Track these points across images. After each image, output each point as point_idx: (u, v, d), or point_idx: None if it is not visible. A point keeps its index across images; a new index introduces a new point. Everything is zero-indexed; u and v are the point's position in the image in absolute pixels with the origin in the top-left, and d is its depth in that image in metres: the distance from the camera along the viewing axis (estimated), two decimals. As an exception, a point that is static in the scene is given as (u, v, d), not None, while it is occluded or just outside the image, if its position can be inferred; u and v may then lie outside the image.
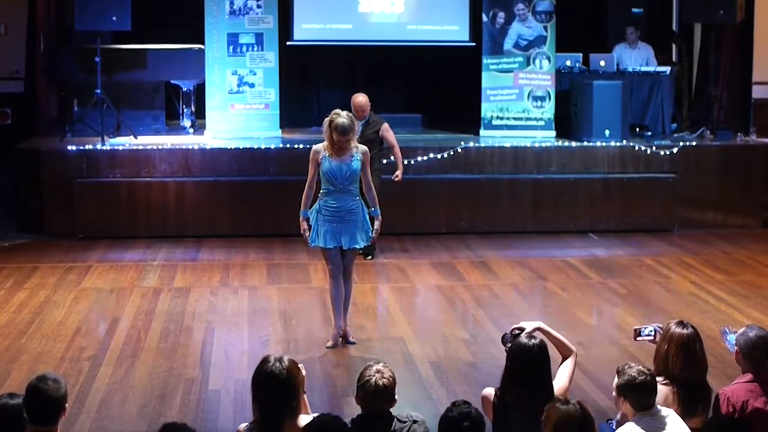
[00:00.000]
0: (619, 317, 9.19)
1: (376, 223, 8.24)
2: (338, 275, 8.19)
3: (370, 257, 10.88)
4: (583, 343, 7.94)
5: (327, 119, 8.02)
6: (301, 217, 8.18)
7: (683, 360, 5.39)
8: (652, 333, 5.72)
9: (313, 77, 14.50)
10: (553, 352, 5.57)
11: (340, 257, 8.17)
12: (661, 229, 12.51)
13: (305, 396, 5.12)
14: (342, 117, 7.93)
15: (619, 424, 5.20)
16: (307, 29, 13.71)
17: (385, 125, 10.74)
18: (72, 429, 6.62)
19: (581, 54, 13.79)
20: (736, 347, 5.52)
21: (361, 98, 10.56)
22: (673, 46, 14.97)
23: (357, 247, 8.21)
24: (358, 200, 8.13)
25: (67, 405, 4.75)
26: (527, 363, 5.22)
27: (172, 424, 4.53)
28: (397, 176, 10.77)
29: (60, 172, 11.97)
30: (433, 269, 10.77)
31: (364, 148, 8.18)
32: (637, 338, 5.83)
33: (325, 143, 8.06)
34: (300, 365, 4.99)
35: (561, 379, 5.50)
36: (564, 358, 5.62)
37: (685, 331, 5.46)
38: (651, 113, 13.56)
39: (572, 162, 12.62)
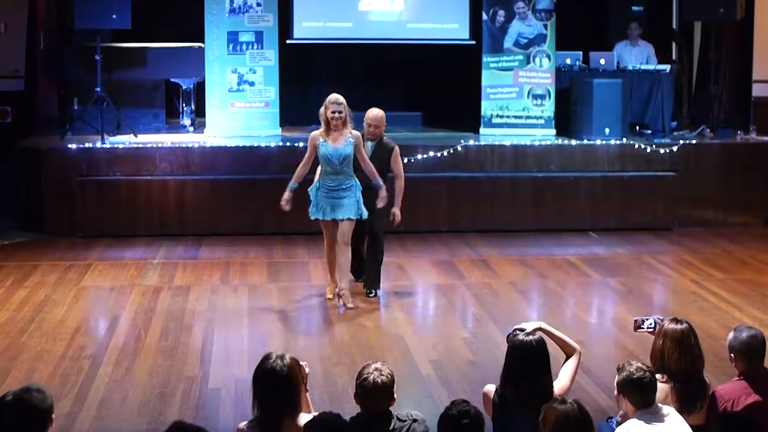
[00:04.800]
0: (619, 315, 9.18)
1: (381, 192, 9.09)
2: (332, 243, 9.17)
3: (372, 294, 9.57)
4: (583, 342, 7.90)
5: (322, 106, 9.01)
6: (288, 189, 9.15)
7: (679, 353, 5.42)
8: (653, 325, 5.73)
9: (313, 75, 14.47)
10: (556, 351, 5.57)
11: (335, 229, 9.07)
12: (662, 227, 12.51)
13: (307, 394, 5.12)
14: (334, 94, 9.05)
15: (620, 422, 5.20)
16: (307, 27, 13.71)
17: (397, 149, 9.54)
18: (72, 428, 6.63)
19: (581, 52, 13.79)
20: (731, 353, 5.54)
21: (376, 111, 9.46)
22: (674, 45, 14.97)
23: (351, 217, 8.97)
24: (352, 179, 9.02)
25: (53, 416, 4.59)
26: (526, 360, 5.23)
27: (181, 423, 4.48)
28: (395, 215, 9.50)
29: (60, 171, 11.97)
30: (433, 268, 10.77)
31: (357, 133, 9.00)
32: (638, 330, 5.84)
33: (322, 129, 8.99)
34: (303, 363, 5.00)
35: (562, 378, 5.49)
36: (567, 357, 5.62)
37: (679, 326, 5.50)
38: (651, 111, 13.57)
39: (572, 160, 12.62)
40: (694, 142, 12.93)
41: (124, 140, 12.32)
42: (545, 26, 13.22)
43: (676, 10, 14.72)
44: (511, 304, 9.51)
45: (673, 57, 14.79)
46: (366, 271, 9.62)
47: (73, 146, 12.04)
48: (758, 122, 13.52)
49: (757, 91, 14.00)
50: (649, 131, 13.40)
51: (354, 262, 9.35)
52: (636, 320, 5.86)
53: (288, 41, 13.52)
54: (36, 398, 4.50)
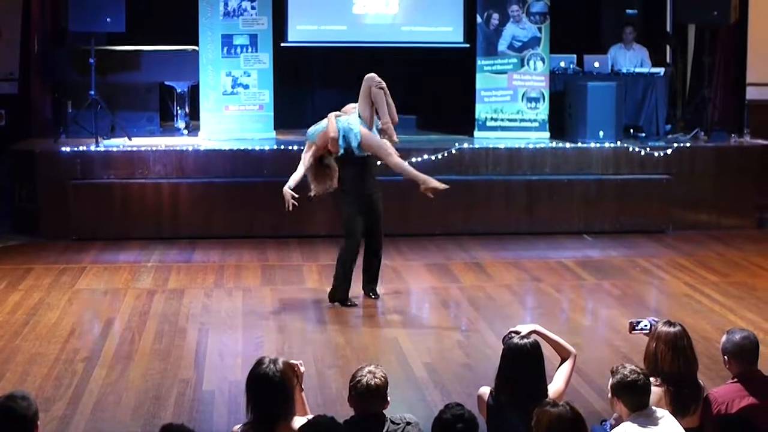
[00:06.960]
0: (613, 318, 9.18)
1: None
2: None
3: (374, 295, 9.59)
4: (577, 345, 7.87)
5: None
6: None
7: (672, 355, 5.43)
8: (648, 326, 5.74)
9: (308, 78, 14.49)
10: (551, 354, 5.57)
11: None
12: (655, 230, 12.51)
13: (303, 394, 5.12)
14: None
15: (614, 425, 5.21)
16: (301, 30, 13.71)
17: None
18: (66, 431, 6.62)
19: (575, 55, 13.81)
20: (724, 355, 5.55)
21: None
22: (667, 48, 14.99)
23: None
24: None
25: (39, 423, 4.55)
26: (520, 363, 5.23)
27: (169, 425, 4.50)
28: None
29: (54, 174, 11.95)
30: (427, 271, 10.77)
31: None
32: (633, 331, 5.85)
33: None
34: (299, 362, 5.01)
35: (557, 382, 5.49)
36: (563, 360, 5.61)
37: (672, 329, 5.52)
38: (645, 114, 13.58)
39: (566, 163, 12.62)
40: (688, 145, 12.94)
41: (118, 143, 12.31)
42: (539, 29, 13.23)
43: (670, 13, 14.73)
44: (506, 307, 9.51)
45: (667, 60, 14.80)
46: (370, 273, 9.57)
47: (67, 149, 12.03)
48: (752, 125, 13.54)
49: (751, 94, 14.00)
50: (643, 134, 13.41)
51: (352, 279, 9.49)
52: (631, 322, 5.87)
53: (282, 44, 13.51)
54: (21, 406, 4.45)
